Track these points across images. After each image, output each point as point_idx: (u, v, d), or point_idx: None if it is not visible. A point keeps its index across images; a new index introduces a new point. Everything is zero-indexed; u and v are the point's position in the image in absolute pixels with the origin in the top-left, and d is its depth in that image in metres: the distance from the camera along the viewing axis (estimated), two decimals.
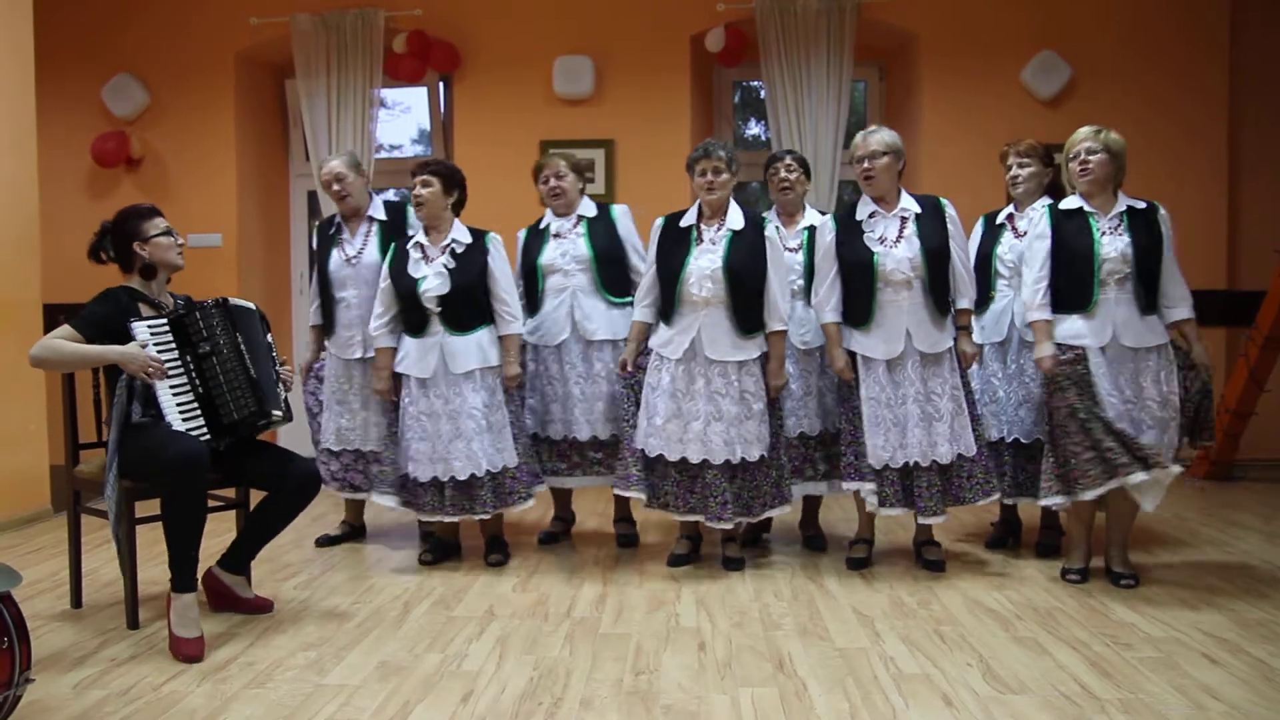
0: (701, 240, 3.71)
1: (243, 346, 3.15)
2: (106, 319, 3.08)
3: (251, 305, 3.34)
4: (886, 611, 3.26)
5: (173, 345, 3.09)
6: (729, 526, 3.70)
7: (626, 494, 3.77)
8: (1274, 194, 5.84)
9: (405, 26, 5.91)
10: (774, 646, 2.93)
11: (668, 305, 3.72)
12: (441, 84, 6.30)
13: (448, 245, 3.79)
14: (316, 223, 4.31)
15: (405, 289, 3.77)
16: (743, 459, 3.64)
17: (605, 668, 2.77)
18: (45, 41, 5.14)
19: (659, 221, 3.83)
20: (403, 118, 6.79)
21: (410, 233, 3.96)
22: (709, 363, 3.65)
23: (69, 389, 3.34)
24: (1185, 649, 2.89)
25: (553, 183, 4.09)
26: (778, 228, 3.98)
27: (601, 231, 4.05)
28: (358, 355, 4.06)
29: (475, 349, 3.75)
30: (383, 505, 3.88)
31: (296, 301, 6.55)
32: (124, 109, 6.04)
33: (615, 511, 4.26)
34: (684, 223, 3.77)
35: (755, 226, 3.70)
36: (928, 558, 3.79)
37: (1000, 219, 4.00)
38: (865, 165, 3.67)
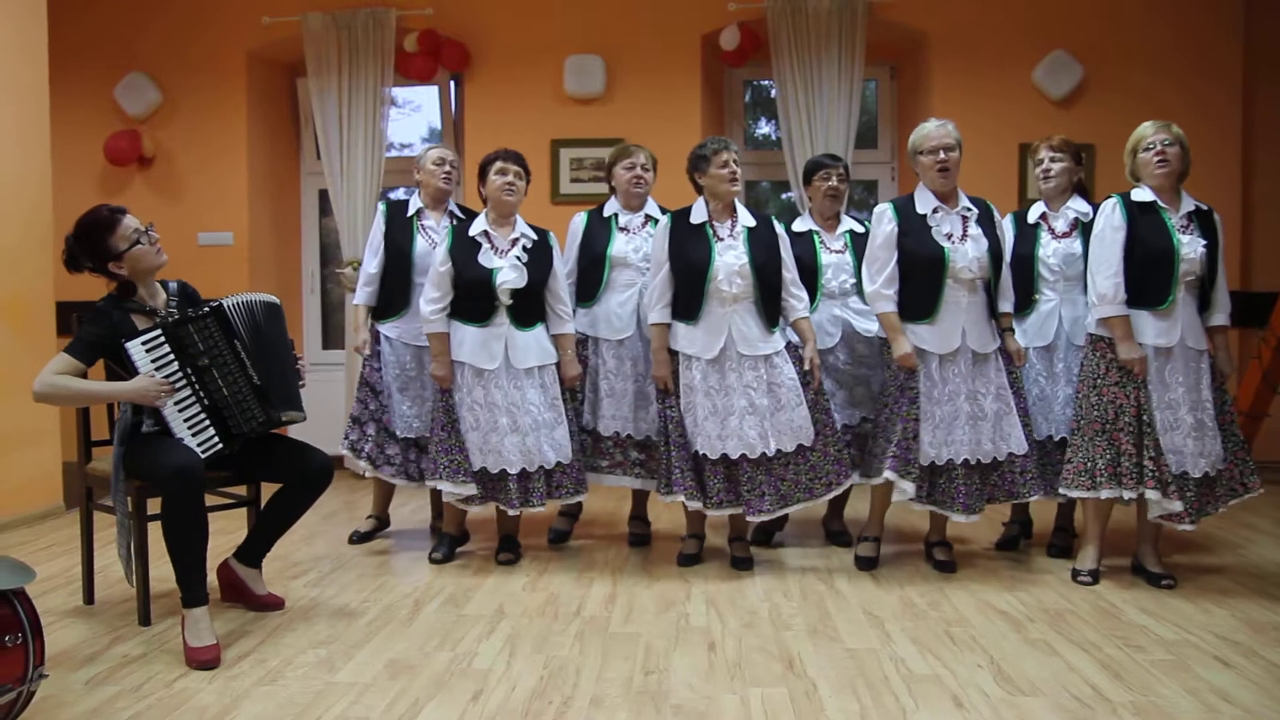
0: (720, 237, 3.71)
1: (243, 354, 3.08)
2: (102, 341, 2.99)
3: (273, 299, 3.26)
4: (897, 612, 3.26)
5: (171, 358, 3.00)
6: (767, 518, 3.70)
7: (671, 499, 3.71)
8: None
9: (416, 25, 5.92)
10: (784, 647, 2.93)
11: (693, 303, 3.67)
12: (452, 83, 6.31)
13: (517, 239, 3.79)
14: (383, 202, 4.25)
15: (476, 278, 3.73)
16: (778, 451, 3.64)
17: (615, 667, 2.77)
18: (59, 41, 5.16)
19: (665, 220, 3.79)
20: (414, 116, 6.80)
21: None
22: (740, 358, 3.65)
23: None
24: (1197, 652, 2.88)
25: (638, 171, 4.04)
26: (819, 232, 4.02)
27: None
28: None
29: (536, 345, 3.77)
30: (460, 493, 3.74)
31: (307, 300, 6.56)
32: (136, 108, 6.06)
33: (632, 509, 4.26)
34: (695, 219, 3.75)
35: (767, 223, 3.75)
36: (938, 558, 3.78)
37: (1033, 218, 3.93)
38: (941, 156, 3.62)
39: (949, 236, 3.64)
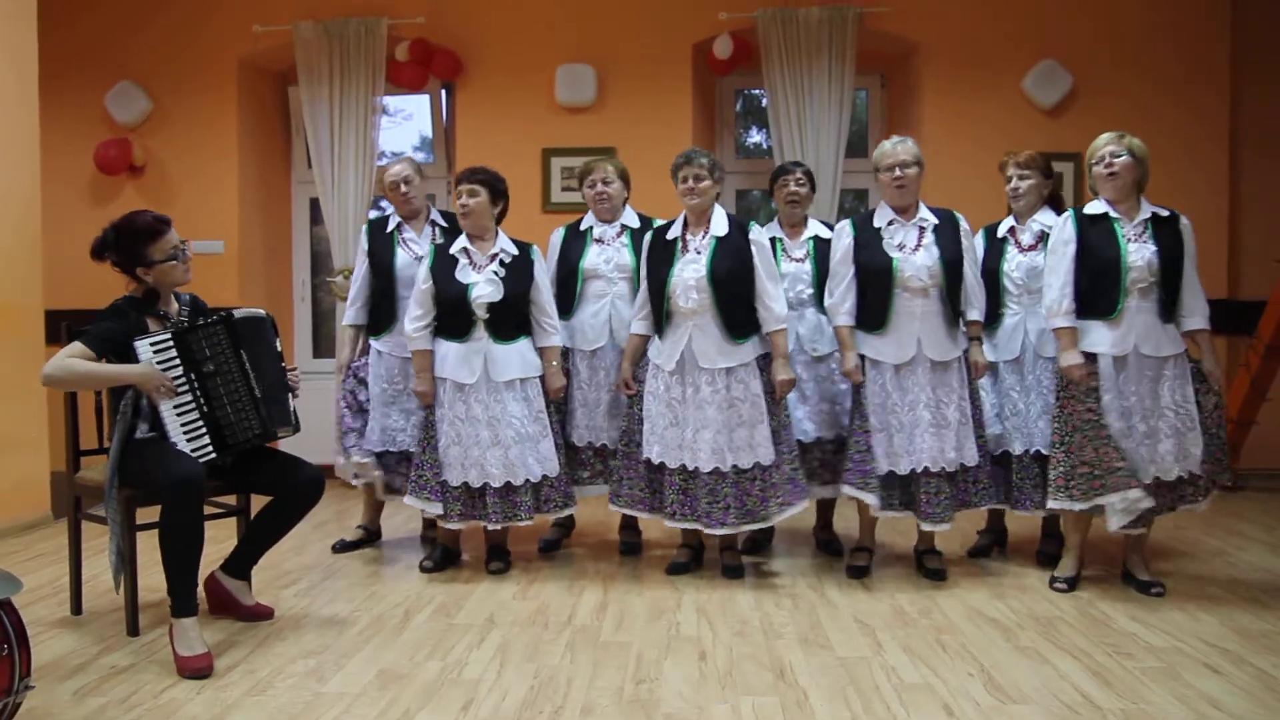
0: (686, 250, 3.72)
1: (248, 365, 3.12)
2: (117, 335, 3.03)
3: (261, 312, 3.29)
4: (888, 620, 3.26)
5: (177, 362, 3.04)
6: (729, 532, 3.68)
7: (618, 510, 3.87)
8: (1274, 203, 5.84)
9: (407, 34, 5.92)
10: (775, 655, 2.93)
11: (659, 317, 3.75)
12: (444, 91, 6.31)
13: (496, 254, 3.79)
14: (366, 222, 4.31)
15: (453, 294, 3.74)
16: (734, 466, 3.63)
17: (606, 676, 2.77)
18: (49, 49, 5.14)
19: (648, 236, 3.86)
20: (405, 125, 6.80)
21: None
22: (699, 370, 3.66)
23: (71, 395, 3.34)
24: (1187, 659, 2.88)
25: (599, 188, 4.08)
26: (781, 239, 4.01)
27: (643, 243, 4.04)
28: None
29: (517, 358, 3.76)
30: (426, 510, 3.84)
31: (298, 309, 6.55)
32: (127, 116, 6.05)
33: (622, 518, 4.26)
34: (670, 234, 3.78)
35: (740, 230, 3.70)
36: (929, 566, 3.78)
37: (1002, 232, 3.96)
38: (897, 174, 3.68)
39: (900, 247, 3.67)
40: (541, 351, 3.84)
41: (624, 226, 4.09)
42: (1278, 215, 5.83)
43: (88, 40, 6.07)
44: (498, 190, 3.83)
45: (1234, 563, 4.00)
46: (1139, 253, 3.48)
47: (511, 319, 3.78)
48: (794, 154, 5.68)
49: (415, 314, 3.80)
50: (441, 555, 3.93)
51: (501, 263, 3.78)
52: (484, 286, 3.73)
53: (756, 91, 6.43)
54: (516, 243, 3.86)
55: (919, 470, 3.64)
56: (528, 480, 3.74)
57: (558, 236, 4.17)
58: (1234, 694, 2.62)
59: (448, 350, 3.78)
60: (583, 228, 4.13)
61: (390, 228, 4.18)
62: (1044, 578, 3.74)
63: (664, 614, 3.34)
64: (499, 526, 3.77)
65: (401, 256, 4.12)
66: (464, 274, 3.76)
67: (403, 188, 4.12)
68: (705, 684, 2.71)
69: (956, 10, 5.82)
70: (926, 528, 3.69)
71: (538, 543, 4.27)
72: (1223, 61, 5.78)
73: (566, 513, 3.88)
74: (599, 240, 4.07)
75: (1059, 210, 3.89)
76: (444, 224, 4.19)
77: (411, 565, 3.98)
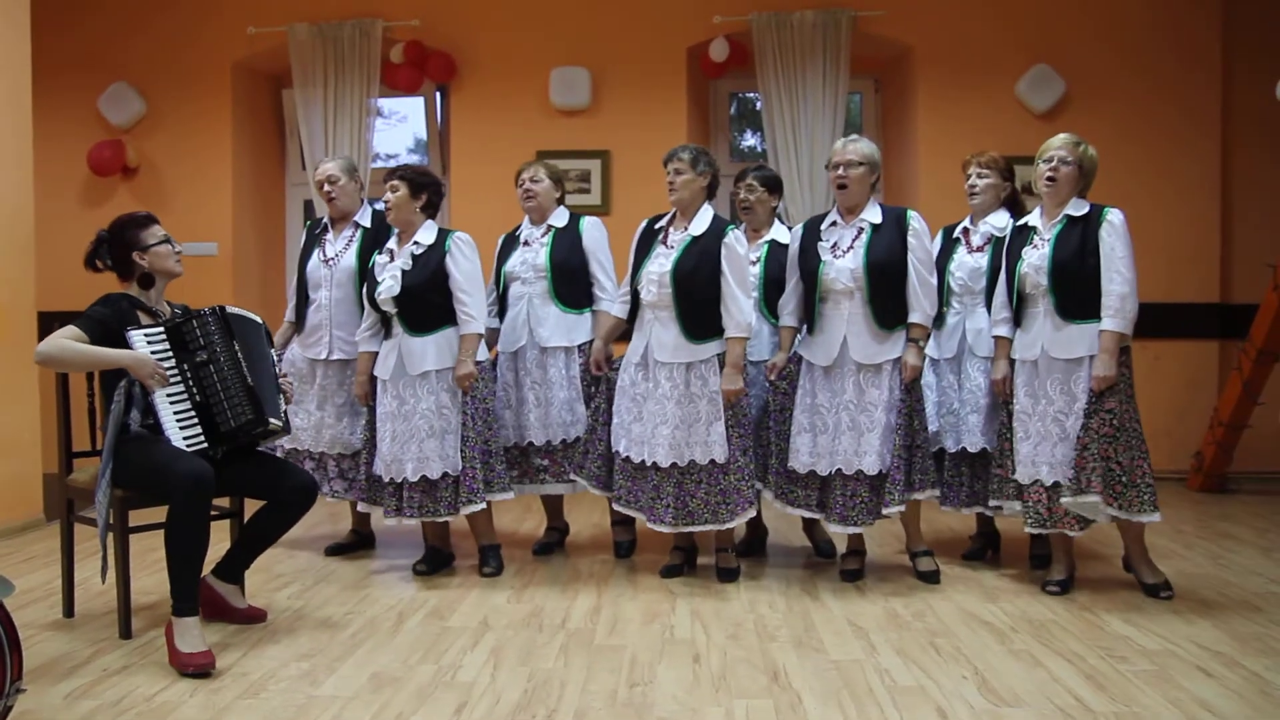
0: (664, 243, 3.74)
1: (240, 354, 3.14)
2: (110, 322, 3.08)
3: (256, 318, 3.34)
4: (881, 623, 3.26)
5: (170, 354, 3.09)
6: (667, 530, 3.70)
7: (588, 487, 3.92)
8: (1266, 207, 5.87)
9: (402, 37, 5.92)
10: (769, 658, 2.93)
11: (633, 306, 3.83)
12: (438, 94, 6.31)
13: (409, 248, 3.80)
14: (308, 222, 4.34)
15: (369, 293, 3.82)
16: (691, 462, 3.65)
17: (600, 679, 2.76)
18: (42, 50, 5.14)
19: (644, 222, 3.90)
20: (399, 127, 6.81)
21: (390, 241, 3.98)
22: (657, 364, 3.68)
23: (63, 396, 3.33)
24: (1180, 662, 2.89)
25: (526, 185, 4.11)
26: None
27: (564, 242, 4.06)
28: (323, 355, 4.09)
29: (433, 350, 3.75)
30: (371, 510, 4.01)
31: None
32: (121, 118, 6.04)
33: (613, 514, 4.25)
34: (658, 225, 3.83)
35: (716, 233, 3.67)
36: (922, 569, 3.78)
37: (957, 232, 3.99)
38: (840, 173, 3.68)
39: (833, 248, 3.68)
40: (460, 340, 3.79)
41: (550, 227, 4.10)
42: (1270, 218, 5.86)
43: (81, 42, 6.07)
44: (418, 184, 3.81)
45: (1226, 565, 4.01)
46: (1030, 258, 3.51)
47: (422, 311, 3.75)
48: (788, 158, 5.70)
49: (365, 315, 3.92)
50: (432, 558, 3.93)
51: (412, 255, 3.78)
52: (386, 282, 3.75)
53: (751, 95, 6.44)
54: (441, 231, 3.84)
55: (833, 472, 3.66)
56: (445, 474, 3.73)
57: (499, 244, 4.22)
58: (1226, 697, 2.63)
59: (383, 349, 3.85)
60: (517, 233, 4.18)
61: (318, 230, 4.24)
62: (1037, 580, 3.75)
63: (658, 617, 3.34)
64: (394, 520, 3.83)
65: (314, 258, 4.16)
66: (380, 272, 3.80)
67: (325, 187, 4.12)
68: (699, 687, 2.71)
69: (950, 14, 5.84)
70: (837, 529, 3.71)
71: (532, 546, 4.26)
72: (1215, 63, 5.81)
73: (475, 508, 3.75)
74: (525, 243, 4.11)
75: (1017, 214, 3.89)
76: (368, 225, 4.16)
77: (404, 568, 3.97)
